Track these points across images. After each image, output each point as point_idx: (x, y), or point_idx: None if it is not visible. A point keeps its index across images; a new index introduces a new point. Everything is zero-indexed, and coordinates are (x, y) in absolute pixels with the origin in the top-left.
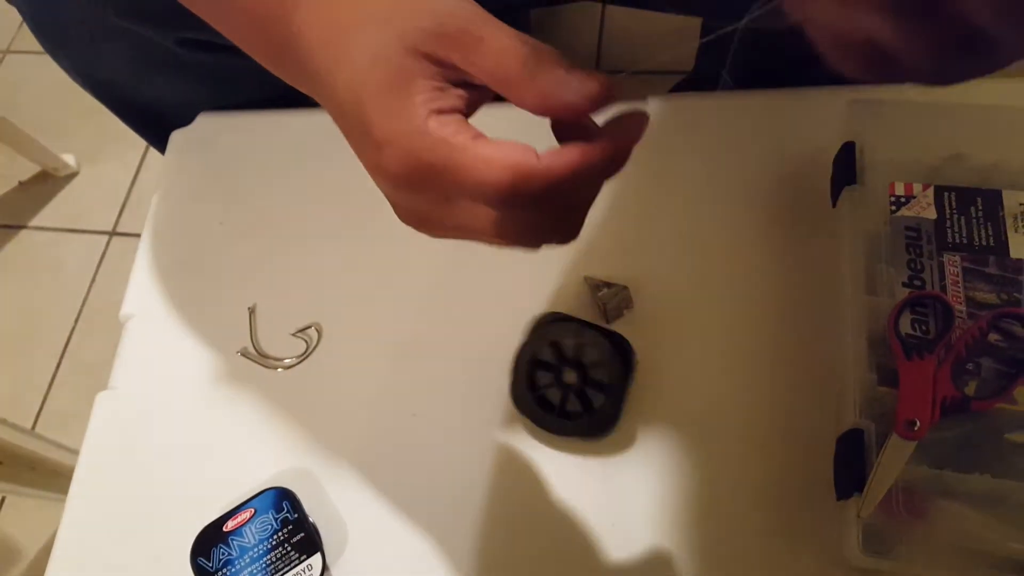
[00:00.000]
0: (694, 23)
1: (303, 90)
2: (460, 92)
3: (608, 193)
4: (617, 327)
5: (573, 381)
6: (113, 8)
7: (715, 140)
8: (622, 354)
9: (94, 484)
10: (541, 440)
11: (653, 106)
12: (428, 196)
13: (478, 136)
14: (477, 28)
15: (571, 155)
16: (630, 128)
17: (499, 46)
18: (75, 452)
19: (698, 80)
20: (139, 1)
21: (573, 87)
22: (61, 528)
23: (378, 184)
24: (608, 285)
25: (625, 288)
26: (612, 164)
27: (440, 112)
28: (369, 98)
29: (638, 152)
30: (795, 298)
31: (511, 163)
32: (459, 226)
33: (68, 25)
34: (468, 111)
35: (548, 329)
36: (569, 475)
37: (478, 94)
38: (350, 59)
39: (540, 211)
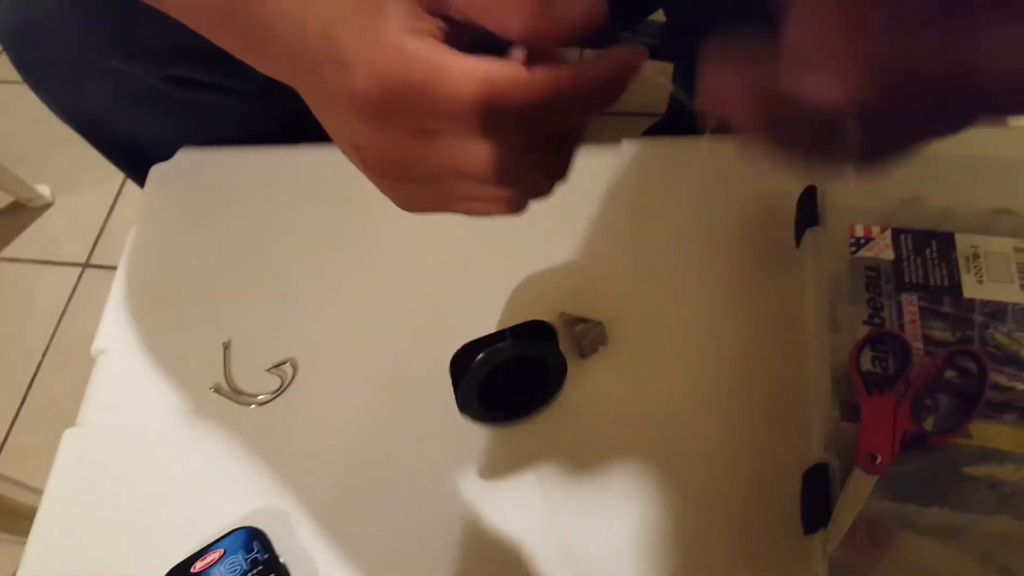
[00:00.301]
0: (666, 67)
1: (261, 58)
2: (438, 21)
3: (583, 231)
4: (593, 362)
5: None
6: (99, 45)
7: (687, 182)
8: (542, 333)
9: (58, 524)
10: (518, 482)
11: (627, 148)
12: (402, 128)
13: (458, 53)
14: None
15: (563, 70)
16: (626, 58)
17: None
18: (37, 491)
19: (671, 122)
20: (126, 39)
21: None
22: (20, 571)
23: (345, 125)
24: (583, 321)
25: (600, 324)
26: (606, 91)
27: (416, 31)
28: (339, 20)
29: (612, 191)
30: (762, 335)
31: (494, 74)
32: (436, 169)
33: (52, 60)
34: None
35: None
36: (541, 515)
37: (458, 30)
38: None
39: (526, 135)
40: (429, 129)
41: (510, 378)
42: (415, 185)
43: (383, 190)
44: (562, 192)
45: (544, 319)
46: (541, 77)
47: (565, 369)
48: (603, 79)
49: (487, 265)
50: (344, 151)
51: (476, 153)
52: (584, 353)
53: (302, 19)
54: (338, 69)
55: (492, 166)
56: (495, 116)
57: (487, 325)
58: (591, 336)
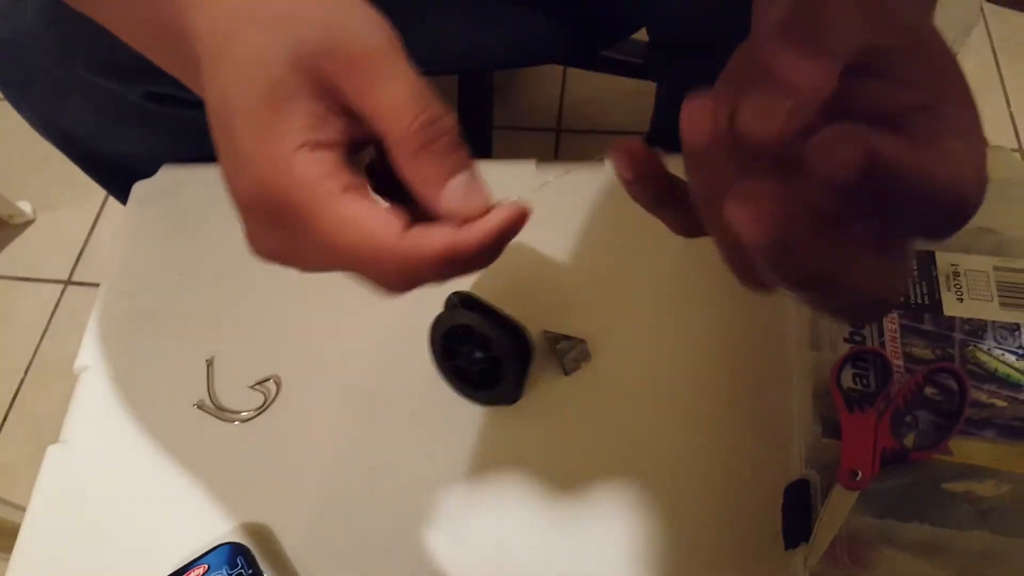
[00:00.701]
0: (649, 87)
1: (179, 77)
2: (342, 125)
3: (566, 248)
4: (576, 379)
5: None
6: (82, 62)
7: None
8: (518, 340)
9: (41, 541)
10: (502, 497)
11: (610, 166)
12: (280, 235)
13: (349, 187)
14: (379, 62)
15: (440, 240)
16: (510, 223)
17: (398, 95)
18: (20, 508)
19: (654, 141)
20: (108, 56)
21: (461, 193)
22: None
23: (232, 200)
24: (566, 338)
25: (583, 341)
26: (483, 257)
27: (314, 146)
28: (240, 107)
29: (594, 209)
30: (743, 352)
31: (368, 234)
32: (312, 270)
33: (34, 77)
34: (352, 147)
35: (458, 312)
36: (524, 532)
37: (366, 132)
38: (232, 56)
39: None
40: (303, 245)
41: (482, 360)
42: (293, 267)
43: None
44: (546, 209)
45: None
46: (420, 249)
47: (526, 361)
48: (487, 252)
49: (468, 282)
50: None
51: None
52: (567, 370)
53: (211, 76)
54: (230, 153)
55: (366, 286)
56: (359, 271)
57: None
58: (574, 353)
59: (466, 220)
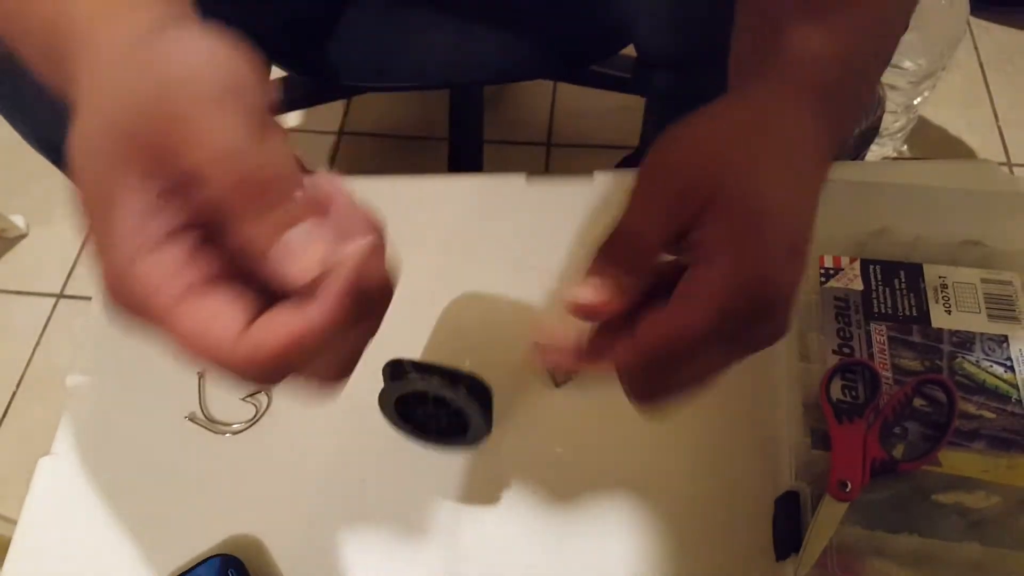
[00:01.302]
0: (638, 101)
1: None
2: (184, 205)
3: (555, 261)
4: (565, 391)
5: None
6: None
7: None
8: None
9: (33, 553)
10: (493, 508)
11: (600, 179)
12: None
13: (188, 293)
14: (188, 121)
15: (281, 333)
16: (355, 281)
17: (206, 153)
18: (12, 521)
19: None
20: None
21: (286, 251)
22: None
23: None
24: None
25: None
26: (348, 329)
27: (153, 246)
28: (83, 202)
29: (584, 223)
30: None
31: (207, 344)
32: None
33: (27, 91)
34: (200, 217)
35: (402, 382)
36: (515, 544)
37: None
38: (74, 139)
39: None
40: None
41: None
42: None
43: None
44: (536, 223)
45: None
46: (250, 352)
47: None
48: (330, 325)
49: (461, 294)
50: None
51: None
52: (557, 382)
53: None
54: (92, 246)
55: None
56: (218, 372)
57: (460, 354)
58: None
59: (310, 286)
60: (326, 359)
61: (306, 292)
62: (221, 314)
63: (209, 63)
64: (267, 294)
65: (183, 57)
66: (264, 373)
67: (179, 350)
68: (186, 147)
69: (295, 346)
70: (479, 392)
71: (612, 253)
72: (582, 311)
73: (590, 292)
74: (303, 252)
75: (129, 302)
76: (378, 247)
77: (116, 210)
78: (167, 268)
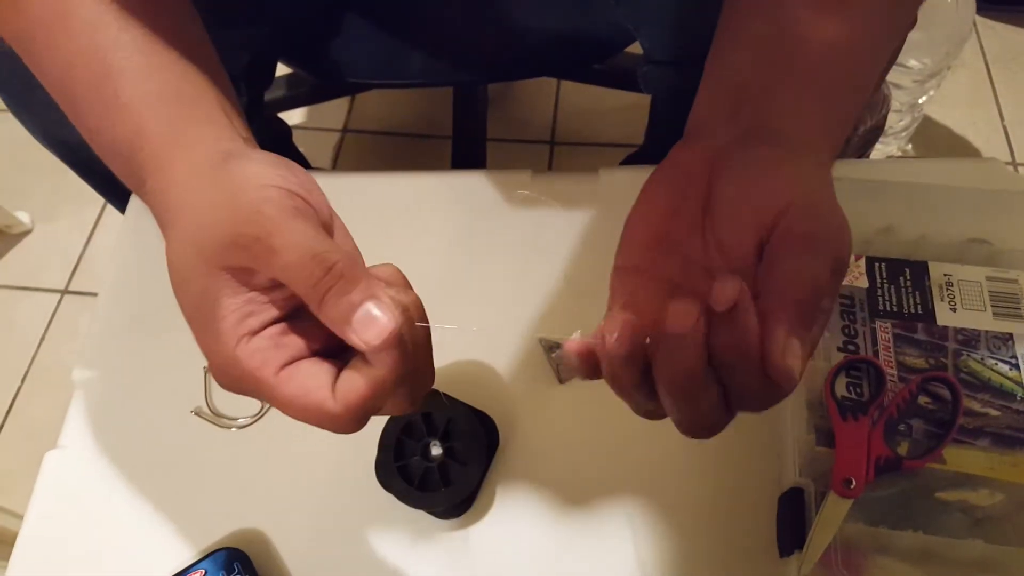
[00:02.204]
0: (642, 100)
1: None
2: (271, 301)
3: (561, 258)
4: (569, 387)
5: (438, 454)
6: None
7: None
8: (487, 431)
9: (39, 546)
10: (498, 502)
11: (606, 177)
12: (250, 394)
13: (282, 368)
14: (270, 237)
15: (360, 389)
16: (396, 338)
17: (292, 260)
18: (18, 516)
19: (649, 153)
20: None
21: (362, 322)
22: None
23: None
24: (560, 346)
25: None
26: (408, 372)
27: (251, 334)
28: (186, 315)
29: (589, 219)
30: None
31: (308, 405)
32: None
33: (35, 87)
34: (288, 312)
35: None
36: (521, 539)
37: (289, 301)
38: (170, 257)
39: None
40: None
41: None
42: None
43: None
44: (542, 221)
45: (521, 344)
46: (349, 405)
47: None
48: (394, 376)
49: (465, 290)
50: None
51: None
52: (562, 378)
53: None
54: (198, 341)
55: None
56: (317, 426)
57: (463, 349)
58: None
59: (378, 347)
60: (396, 400)
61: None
62: (314, 378)
63: (273, 190)
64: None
65: (251, 187)
66: (356, 420)
67: (286, 412)
68: (272, 259)
69: (375, 394)
70: (487, 426)
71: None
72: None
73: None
74: (374, 322)
75: (237, 380)
76: (418, 307)
77: (216, 310)
78: (265, 351)
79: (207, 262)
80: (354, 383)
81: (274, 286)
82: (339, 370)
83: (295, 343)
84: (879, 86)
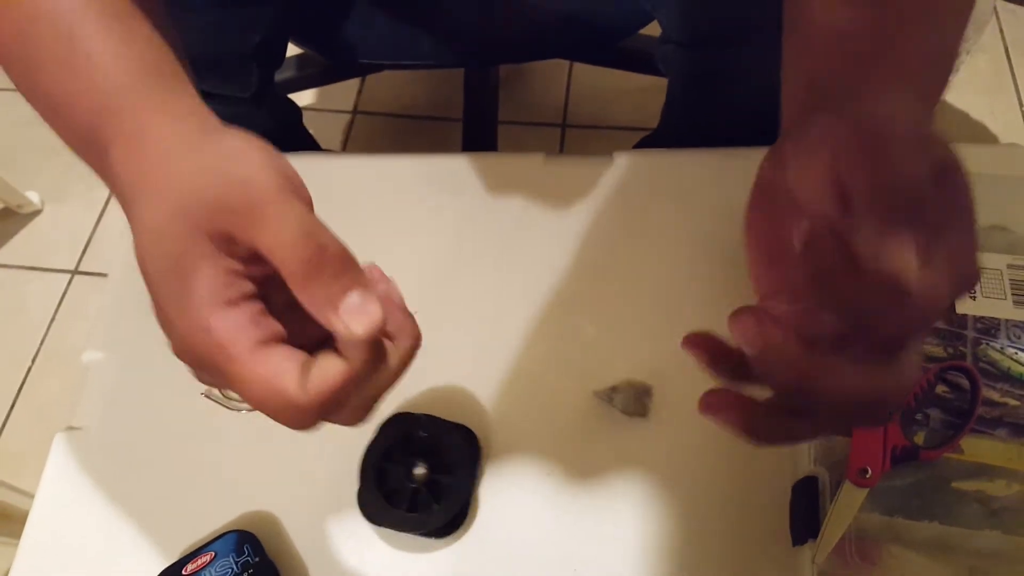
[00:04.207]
0: (655, 82)
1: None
2: (252, 275)
3: (574, 241)
4: (579, 375)
5: (423, 474)
6: None
7: (677, 194)
8: (469, 445)
9: (50, 526)
10: (509, 488)
11: (620, 160)
12: (210, 376)
13: (258, 346)
14: (264, 206)
15: (335, 378)
16: (376, 324)
17: (285, 234)
18: (29, 495)
19: (663, 136)
20: None
21: (350, 309)
22: (13, 573)
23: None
24: (618, 388)
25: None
26: (380, 370)
27: (229, 305)
28: (154, 279)
29: (600, 200)
30: None
31: (274, 389)
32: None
33: None
34: (265, 289)
35: (396, 426)
36: (534, 524)
37: (270, 281)
38: (139, 224)
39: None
40: (223, 384)
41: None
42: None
43: None
44: (554, 204)
45: (528, 329)
46: (312, 400)
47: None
48: (368, 366)
49: (473, 275)
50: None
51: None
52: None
53: (134, 229)
54: (156, 307)
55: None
56: (279, 419)
57: (472, 334)
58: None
59: (363, 336)
60: (354, 405)
61: (347, 343)
62: (287, 362)
63: (266, 163)
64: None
65: (243, 157)
66: (318, 413)
67: (246, 395)
68: (263, 229)
69: (346, 386)
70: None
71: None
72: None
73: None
74: (363, 311)
75: (202, 352)
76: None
77: (195, 275)
78: (241, 324)
79: (190, 224)
80: (328, 372)
81: (250, 262)
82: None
83: (271, 325)
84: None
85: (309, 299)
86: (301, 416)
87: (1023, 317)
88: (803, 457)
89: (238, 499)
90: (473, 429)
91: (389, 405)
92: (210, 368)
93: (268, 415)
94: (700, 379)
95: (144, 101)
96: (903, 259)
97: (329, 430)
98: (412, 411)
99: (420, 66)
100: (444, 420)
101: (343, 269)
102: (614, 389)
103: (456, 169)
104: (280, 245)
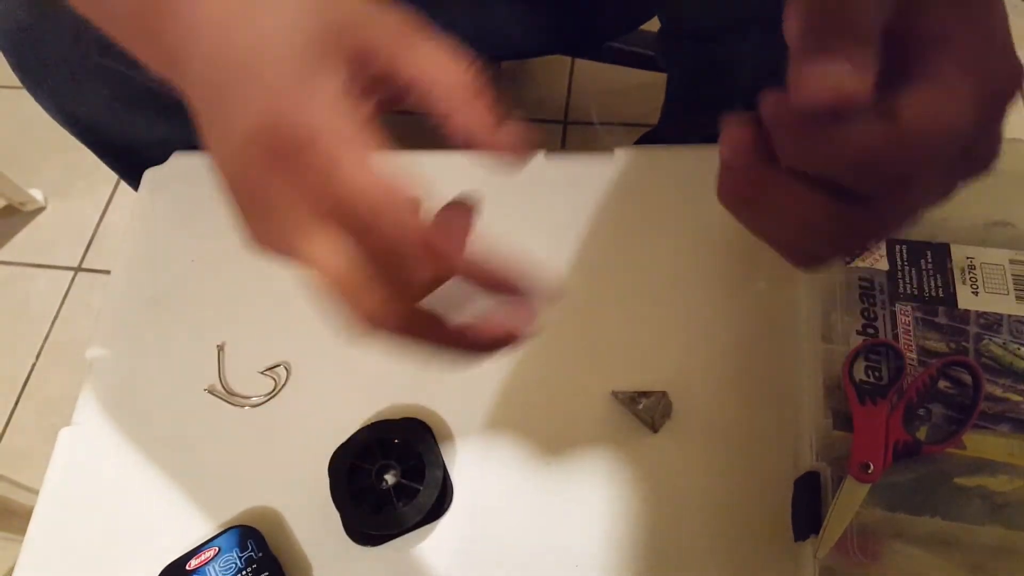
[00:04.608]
0: (656, 78)
1: (159, 56)
2: (371, 94)
3: (576, 240)
4: (586, 369)
5: (394, 474)
6: (97, 47)
7: (678, 191)
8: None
9: (54, 521)
10: (509, 476)
11: (621, 156)
12: (278, 179)
13: (379, 147)
14: (412, 30)
15: (453, 238)
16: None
17: (440, 54)
18: (33, 491)
19: (664, 133)
20: None
21: (506, 133)
22: (17, 569)
23: (231, 153)
24: (646, 395)
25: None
26: (479, 279)
27: (352, 97)
28: (272, 58)
29: (601, 196)
30: (755, 343)
31: (395, 188)
32: (293, 234)
33: (50, 63)
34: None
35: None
36: (530, 521)
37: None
38: (255, 25)
39: (381, 263)
40: (305, 192)
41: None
42: (273, 233)
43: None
44: (555, 200)
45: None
46: (430, 235)
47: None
48: (480, 273)
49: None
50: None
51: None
52: (656, 427)
53: (226, 35)
54: (240, 93)
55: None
56: (370, 228)
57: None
58: (659, 407)
59: (517, 159)
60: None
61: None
62: (403, 187)
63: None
64: None
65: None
66: (430, 263)
67: (353, 192)
68: (414, 54)
69: (459, 265)
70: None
71: (835, 25)
72: (840, 98)
73: (848, 69)
74: (518, 136)
75: (303, 132)
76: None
77: (322, 66)
78: (364, 121)
79: (329, 31)
80: (451, 231)
81: (370, 90)
82: None
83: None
84: None
85: (469, 117)
86: (407, 247)
87: None
88: (805, 452)
89: (241, 495)
90: (465, 424)
91: (369, 408)
92: (300, 150)
93: (370, 219)
94: (700, 378)
95: None
96: (827, 74)
97: (328, 429)
98: (399, 409)
99: None
100: (409, 419)
101: (482, 98)
102: (642, 395)
103: (456, 165)
104: (436, 63)
